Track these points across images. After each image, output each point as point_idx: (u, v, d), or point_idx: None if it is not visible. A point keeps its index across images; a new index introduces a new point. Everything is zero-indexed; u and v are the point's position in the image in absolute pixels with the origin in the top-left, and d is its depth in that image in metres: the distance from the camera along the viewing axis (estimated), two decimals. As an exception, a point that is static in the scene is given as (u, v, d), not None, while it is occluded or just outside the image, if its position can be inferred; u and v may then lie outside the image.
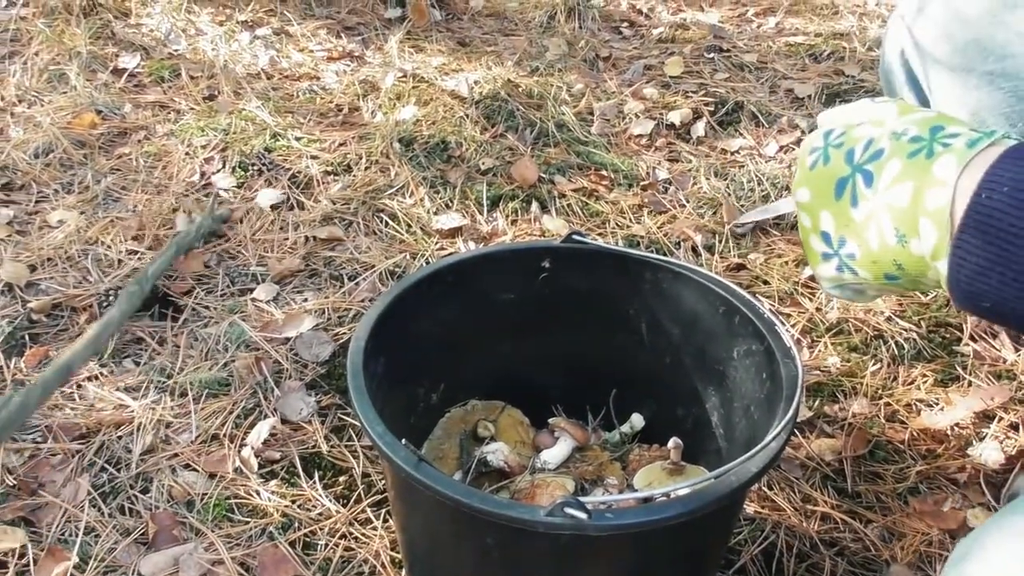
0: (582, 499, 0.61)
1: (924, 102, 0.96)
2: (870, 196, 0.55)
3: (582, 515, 0.61)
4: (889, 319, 1.33)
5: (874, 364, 1.25)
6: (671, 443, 0.92)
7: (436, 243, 1.48)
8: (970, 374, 1.23)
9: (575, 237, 0.97)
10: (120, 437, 1.09)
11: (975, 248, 0.49)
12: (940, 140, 0.54)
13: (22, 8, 2.26)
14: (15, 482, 1.01)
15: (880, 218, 0.55)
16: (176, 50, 2.19)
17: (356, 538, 0.98)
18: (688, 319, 0.94)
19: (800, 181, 0.63)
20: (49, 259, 1.40)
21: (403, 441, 0.67)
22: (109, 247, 1.44)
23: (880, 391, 1.21)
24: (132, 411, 1.13)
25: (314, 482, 1.05)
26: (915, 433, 1.15)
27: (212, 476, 1.05)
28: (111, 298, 1.29)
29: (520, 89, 1.94)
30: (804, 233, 0.63)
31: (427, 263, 1.43)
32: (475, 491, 0.66)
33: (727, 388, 0.91)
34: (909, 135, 0.56)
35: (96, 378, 1.19)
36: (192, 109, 1.90)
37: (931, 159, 0.53)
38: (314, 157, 1.71)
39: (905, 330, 1.31)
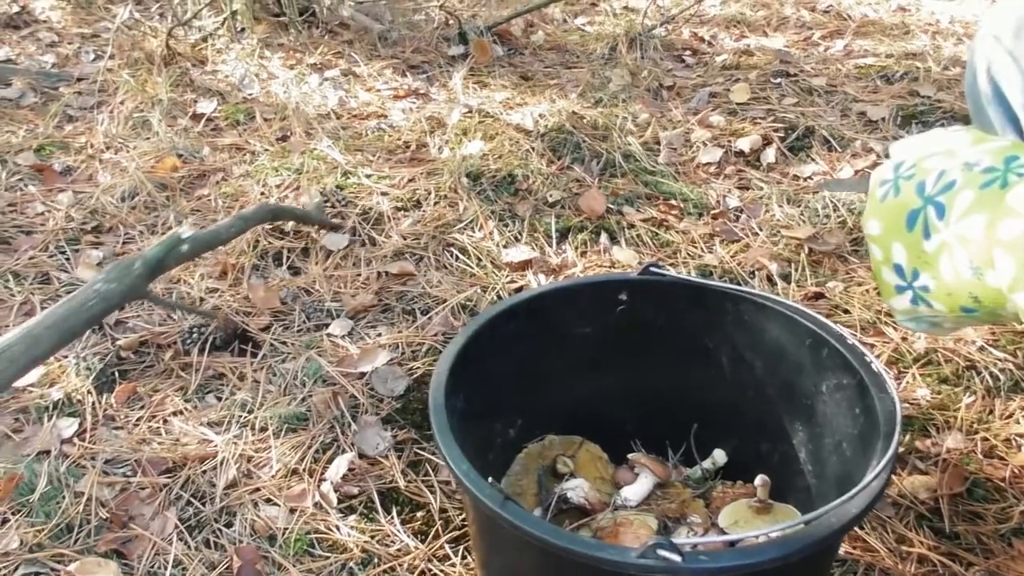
0: (674, 540, 0.59)
1: (1013, 119, 0.92)
2: (942, 228, 0.54)
3: (676, 557, 0.59)
4: (982, 348, 1.27)
5: (968, 396, 1.20)
6: (758, 480, 0.89)
7: (507, 276, 1.49)
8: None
9: (652, 269, 0.96)
10: (204, 471, 1.12)
11: None
12: (1015, 170, 0.52)
13: (108, 60, 2.38)
14: (107, 515, 1.04)
15: (954, 250, 0.53)
16: (250, 94, 2.27)
17: (435, 575, 0.97)
18: (772, 352, 0.91)
19: (870, 213, 0.62)
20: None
21: (489, 479, 0.66)
22: (191, 285, 1.49)
23: (975, 425, 1.15)
24: (215, 446, 1.15)
25: (392, 517, 1.05)
26: (1016, 470, 1.09)
27: (292, 511, 1.06)
28: (194, 335, 1.33)
29: (585, 121, 1.95)
30: (876, 266, 0.62)
31: (498, 296, 1.44)
32: (562, 531, 0.65)
33: (815, 423, 0.88)
34: (982, 165, 0.54)
35: (181, 413, 1.22)
36: (266, 150, 1.96)
37: (1005, 189, 0.51)
38: (384, 193, 1.74)
39: (1000, 360, 1.24)
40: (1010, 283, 0.50)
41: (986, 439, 1.13)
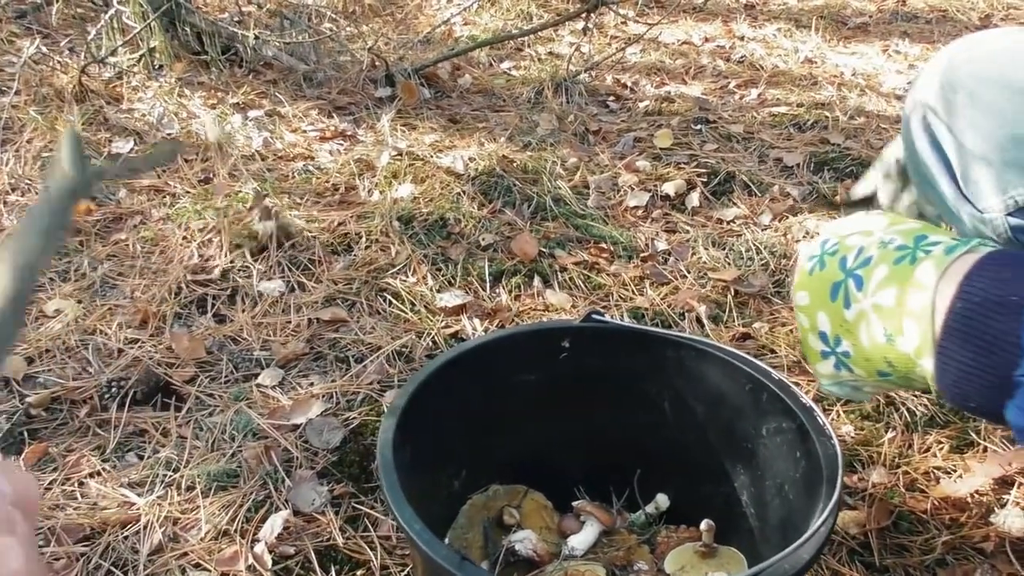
0: (637, 597, 0.59)
1: (947, 164, 0.96)
2: (861, 299, 0.60)
3: (637, 614, 0.59)
4: (899, 385, 1.33)
5: (889, 432, 1.25)
6: (704, 525, 0.90)
7: (442, 321, 1.47)
8: (985, 439, 1.23)
9: (594, 316, 0.97)
10: (126, 537, 1.05)
11: (956, 354, 0.53)
12: (923, 248, 0.59)
13: (14, 96, 2.27)
14: (17, 591, 0.96)
15: (870, 319, 0.59)
16: (169, 133, 2.21)
17: (379, 637, 0.94)
18: (713, 396, 0.93)
19: (799, 285, 0.67)
20: (47, 350, 1.37)
21: (445, 540, 0.65)
22: (108, 336, 1.41)
23: (897, 459, 1.21)
24: (138, 508, 1.09)
25: (331, 577, 1.01)
26: (936, 502, 1.14)
27: (224, 575, 1.01)
28: (112, 389, 1.26)
29: (515, 164, 1.97)
30: (803, 333, 0.67)
31: (433, 342, 1.42)
32: (525, 592, 0.64)
33: (757, 467, 0.90)
34: (895, 244, 0.61)
35: (98, 474, 1.15)
36: (188, 192, 1.90)
37: (913, 265, 0.58)
38: (313, 237, 1.71)
39: (916, 395, 1.31)
40: (916, 349, 0.56)
41: (907, 473, 1.18)
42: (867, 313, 0.59)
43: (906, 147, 0.99)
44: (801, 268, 0.68)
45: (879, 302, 0.58)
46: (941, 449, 1.22)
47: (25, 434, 1.21)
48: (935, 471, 1.19)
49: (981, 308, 0.51)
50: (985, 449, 1.22)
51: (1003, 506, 1.13)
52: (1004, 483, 1.16)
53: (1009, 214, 0.84)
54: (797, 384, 1.34)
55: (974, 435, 1.23)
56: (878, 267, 0.59)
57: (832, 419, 1.28)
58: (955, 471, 1.19)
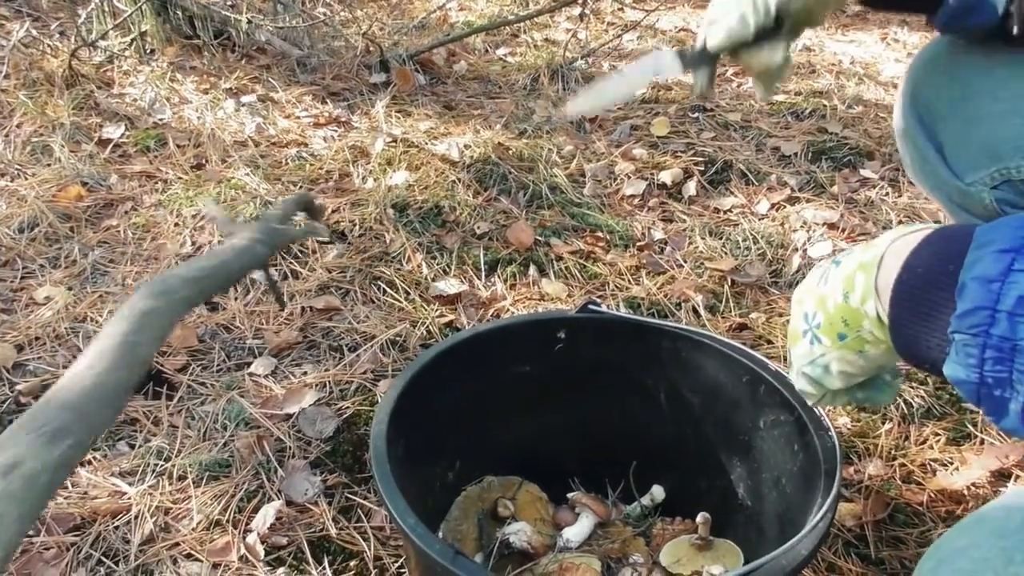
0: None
1: (936, 144, 0.97)
2: (834, 272, 0.67)
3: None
4: (896, 377, 1.32)
5: (885, 424, 1.24)
6: (699, 518, 0.89)
7: (436, 310, 1.46)
8: (982, 431, 1.22)
9: (590, 307, 0.96)
10: (117, 527, 1.04)
11: (906, 320, 0.59)
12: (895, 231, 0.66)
13: (3, 80, 2.24)
14: (6, 582, 0.96)
15: (835, 285, 0.66)
16: (161, 119, 2.18)
17: (372, 629, 0.93)
18: (709, 388, 0.92)
19: (800, 287, 0.74)
20: (37, 338, 1.36)
21: (439, 532, 0.64)
22: (99, 323, 1.40)
23: (894, 452, 1.20)
24: (129, 498, 1.08)
25: (324, 568, 1.00)
26: (933, 495, 1.14)
27: (216, 566, 1.00)
28: (103, 377, 1.25)
29: (510, 152, 1.96)
30: (793, 324, 0.73)
31: (428, 332, 1.41)
32: (519, 588, 0.63)
33: (753, 459, 0.89)
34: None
35: (89, 463, 1.14)
36: (180, 179, 1.88)
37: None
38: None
39: (913, 386, 1.30)
40: (862, 296, 0.63)
41: (904, 465, 1.18)
42: (835, 283, 0.66)
43: (897, 123, 0.99)
44: (810, 276, 0.74)
45: (843, 271, 0.66)
46: (938, 441, 1.21)
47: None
48: (932, 463, 1.19)
49: (923, 279, 0.57)
50: (982, 442, 1.21)
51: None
52: (1001, 476, 1.16)
53: (994, 187, 0.85)
54: (793, 375, 1.34)
55: (971, 427, 1.23)
56: (855, 252, 0.67)
57: (829, 411, 1.27)
58: (952, 463, 1.18)
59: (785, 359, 1.37)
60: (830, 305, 0.66)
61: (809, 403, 0.75)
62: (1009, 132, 0.84)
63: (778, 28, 0.81)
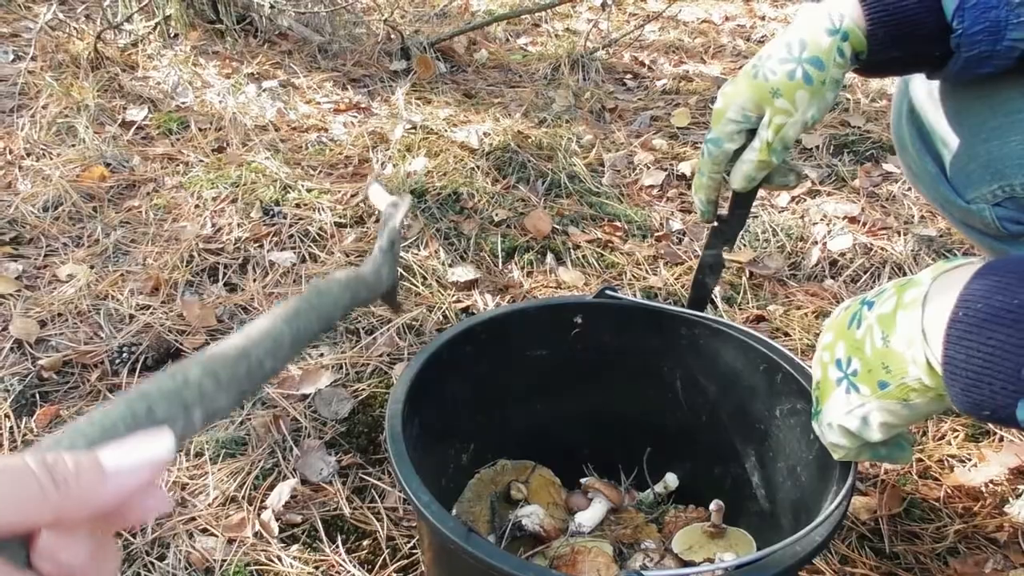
0: (647, 573, 0.58)
1: (936, 158, 0.96)
2: (868, 315, 0.63)
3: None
4: (915, 371, 1.31)
5: (903, 418, 1.23)
6: (713, 505, 0.89)
7: (453, 296, 1.47)
8: (1001, 428, 1.21)
9: (607, 292, 0.96)
10: (135, 501, 1.05)
11: (962, 362, 0.53)
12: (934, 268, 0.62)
13: (30, 62, 2.26)
14: (26, 551, 0.97)
15: (873, 329, 0.62)
16: (183, 103, 2.19)
17: (384, 607, 0.94)
18: (726, 376, 0.92)
19: (827, 327, 0.71)
20: (59, 315, 1.37)
21: (453, 511, 0.64)
22: (120, 302, 1.41)
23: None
24: (146, 473, 1.09)
25: (337, 547, 1.01)
26: (949, 490, 1.13)
27: (231, 541, 1.01)
28: (123, 354, 1.26)
29: (530, 140, 1.95)
30: (823, 370, 0.69)
31: (444, 317, 1.41)
32: (533, 565, 0.63)
33: (769, 448, 0.88)
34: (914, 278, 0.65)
35: (108, 438, 1.15)
36: (201, 161, 1.89)
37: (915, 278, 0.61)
38: (329, 208, 1.70)
39: (931, 383, 1.29)
40: (908, 339, 0.58)
41: (920, 460, 1.17)
42: (872, 325, 0.62)
43: (896, 136, 0.98)
44: (835, 316, 0.71)
45: (881, 311, 0.61)
46: (956, 437, 1.20)
47: (37, 396, 1.21)
48: (949, 459, 1.18)
49: (982, 316, 0.52)
50: (1001, 439, 1.20)
51: (1018, 496, 1.11)
52: (1020, 473, 1.15)
53: (996, 204, 0.83)
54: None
55: (990, 424, 1.22)
56: (887, 290, 0.63)
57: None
58: (970, 460, 1.17)
59: (802, 352, 1.36)
60: (868, 350, 0.61)
61: (836, 457, 0.70)
62: (1011, 149, 0.82)
63: None
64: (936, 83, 0.90)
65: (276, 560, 0.99)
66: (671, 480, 1.02)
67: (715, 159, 0.81)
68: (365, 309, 1.43)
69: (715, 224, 0.89)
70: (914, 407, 0.60)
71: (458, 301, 1.46)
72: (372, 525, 1.04)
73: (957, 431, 1.21)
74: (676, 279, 1.53)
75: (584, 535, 0.92)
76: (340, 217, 1.67)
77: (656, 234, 1.67)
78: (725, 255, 0.92)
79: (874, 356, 0.61)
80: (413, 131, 2.02)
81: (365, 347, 1.34)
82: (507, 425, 0.99)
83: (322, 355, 1.33)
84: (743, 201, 0.87)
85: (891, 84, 2.38)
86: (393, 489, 1.09)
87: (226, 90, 2.24)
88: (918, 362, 0.57)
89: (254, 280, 1.50)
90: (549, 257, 1.58)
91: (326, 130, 2.09)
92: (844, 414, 0.65)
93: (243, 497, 1.06)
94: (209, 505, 1.05)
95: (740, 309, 1.46)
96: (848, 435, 0.66)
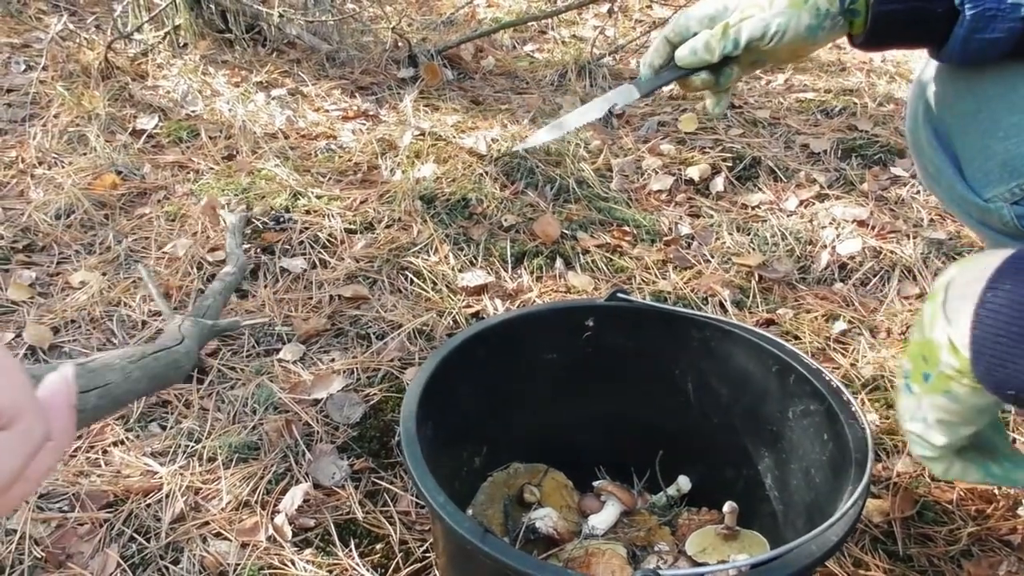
0: (664, 572, 0.58)
1: (953, 158, 0.96)
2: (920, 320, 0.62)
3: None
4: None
5: (915, 420, 1.23)
6: (727, 507, 0.89)
7: (462, 301, 1.47)
8: (1014, 431, 1.21)
9: (619, 295, 0.96)
10: (149, 505, 1.06)
11: (989, 343, 0.53)
12: None
13: (41, 72, 2.28)
14: (43, 554, 0.98)
15: (920, 323, 0.61)
16: (193, 111, 2.21)
17: (397, 611, 0.94)
18: (738, 378, 0.92)
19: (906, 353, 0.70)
20: (72, 321, 1.38)
21: (468, 512, 0.64)
22: (132, 308, 1.42)
23: (923, 448, 1.19)
24: (160, 477, 1.10)
25: (350, 550, 1.01)
26: (963, 493, 1.13)
27: (244, 545, 1.01)
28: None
29: (538, 146, 1.96)
30: (901, 383, 0.66)
31: (454, 321, 1.42)
32: (549, 565, 0.63)
33: (782, 449, 0.88)
34: None
35: (122, 443, 1.16)
36: (211, 169, 1.91)
37: None
38: (339, 214, 1.70)
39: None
40: (930, 320, 0.58)
41: (933, 462, 1.16)
42: (919, 320, 0.61)
43: (911, 137, 0.98)
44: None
45: (923, 311, 0.61)
46: (968, 439, 1.20)
47: (50, 403, 1.22)
48: (961, 461, 1.17)
49: (1011, 295, 0.52)
50: (1015, 440, 1.19)
51: (1031, 498, 1.11)
52: (1032, 475, 1.14)
53: (1015, 203, 0.83)
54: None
55: (1014, 407, 1.21)
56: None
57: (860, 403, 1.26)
58: (982, 461, 1.17)
59: (812, 355, 1.36)
60: (912, 345, 0.61)
61: (936, 473, 0.65)
62: None
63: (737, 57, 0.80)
64: (951, 83, 0.89)
65: (290, 564, 0.99)
66: (684, 483, 1.02)
67: (676, 31, 0.81)
68: (376, 315, 1.43)
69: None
70: (958, 398, 0.58)
71: (468, 306, 1.46)
72: (385, 529, 1.04)
73: (969, 433, 1.21)
74: (685, 283, 1.53)
75: (597, 538, 0.92)
76: (350, 223, 1.68)
77: (665, 238, 1.68)
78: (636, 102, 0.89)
79: (917, 349, 0.60)
80: (421, 138, 2.03)
81: (376, 352, 1.34)
82: (519, 428, 0.99)
83: (333, 360, 1.33)
84: (669, 77, 0.85)
85: (899, 87, 2.39)
86: (406, 493, 1.09)
87: (235, 98, 2.26)
88: (943, 344, 0.56)
89: (265, 286, 1.50)
90: (558, 262, 1.59)
91: (335, 137, 2.11)
92: (909, 419, 0.64)
93: (256, 501, 1.07)
94: (222, 509, 1.06)
95: (750, 313, 1.46)
96: (920, 442, 0.64)
